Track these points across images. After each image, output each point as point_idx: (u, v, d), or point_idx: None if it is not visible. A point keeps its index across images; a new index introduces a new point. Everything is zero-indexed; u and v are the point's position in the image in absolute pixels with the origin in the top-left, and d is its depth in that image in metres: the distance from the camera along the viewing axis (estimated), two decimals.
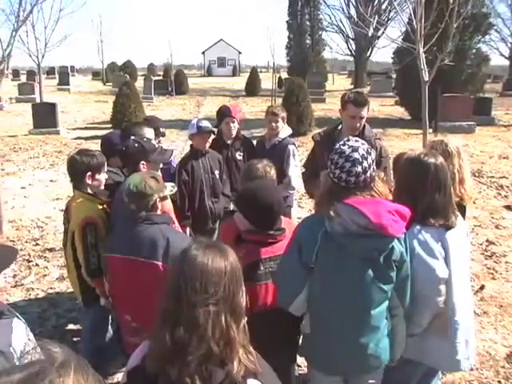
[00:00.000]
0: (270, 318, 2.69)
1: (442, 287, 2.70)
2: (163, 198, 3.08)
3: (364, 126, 4.06)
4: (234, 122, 5.09)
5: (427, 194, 2.74)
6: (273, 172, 3.46)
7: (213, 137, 4.88)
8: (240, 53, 77.33)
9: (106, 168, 3.73)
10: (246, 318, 1.80)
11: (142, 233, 2.91)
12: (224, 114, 5.15)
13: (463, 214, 3.29)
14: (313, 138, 4.44)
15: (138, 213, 2.94)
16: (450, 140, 3.43)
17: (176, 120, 19.16)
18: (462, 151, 3.39)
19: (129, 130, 4.36)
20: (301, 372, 3.89)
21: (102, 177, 3.67)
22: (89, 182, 3.59)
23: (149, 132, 4.35)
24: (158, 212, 3.05)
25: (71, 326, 4.95)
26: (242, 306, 1.79)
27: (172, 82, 33.19)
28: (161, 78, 40.54)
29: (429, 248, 2.71)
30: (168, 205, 3.23)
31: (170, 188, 3.16)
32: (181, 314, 1.69)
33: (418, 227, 2.73)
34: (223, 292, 1.72)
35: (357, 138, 2.58)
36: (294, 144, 5.07)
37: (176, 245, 2.82)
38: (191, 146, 4.91)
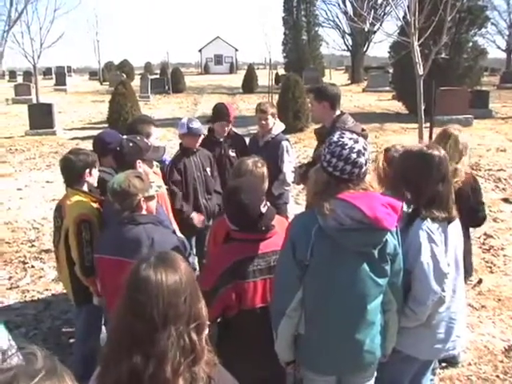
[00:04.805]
0: (259, 316, 2.67)
1: (447, 281, 2.69)
2: (148, 198, 3.05)
3: (340, 117, 4.06)
4: (228, 125, 5.06)
5: (431, 185, 2.73)
6: (263, 169, 3.42)
7: (203, 136, 4.84)
8: (237, 50, 77.20)
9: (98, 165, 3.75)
10: (207, 329, 1.73)
11: (127, 233, 2.91)
12: (221, 115, 5.04)
13: None
14: (315, 131, 4.51)
15: (123, 212, 2.92)
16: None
17: (173, 118, 19.07)
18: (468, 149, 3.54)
19: (135, 127, 4.26)
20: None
21: (95, 173, 3.69)
22: (88, 179, 3.61)
23: (155, 131, 4.31)
24: (143, 212, 3.02)
25: (67, 328, 4.90)
26: (204, 316, 1.71)
27: (169, 80, 33.09)
28: (158, 76, 40.47)
29: (436, 241, 2.69)
30: (154, 205, 3.19)
31: (156, 188, 3.12)
32: (141, 340, 1.60)
33: (424, 219, 2.70)
34: (183, 309, 1.63)
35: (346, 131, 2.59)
36: (287, 140, 5.05)
37: (161, 244, 2.81)
38: (181, 144, 4.86)
